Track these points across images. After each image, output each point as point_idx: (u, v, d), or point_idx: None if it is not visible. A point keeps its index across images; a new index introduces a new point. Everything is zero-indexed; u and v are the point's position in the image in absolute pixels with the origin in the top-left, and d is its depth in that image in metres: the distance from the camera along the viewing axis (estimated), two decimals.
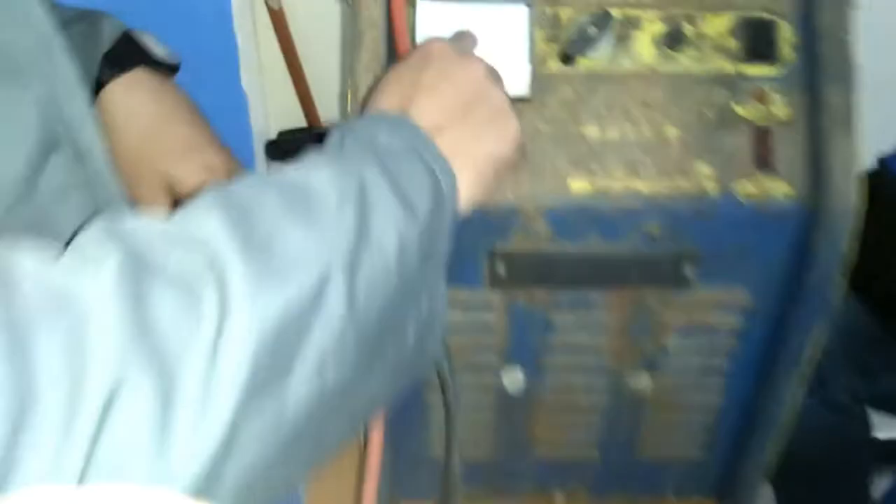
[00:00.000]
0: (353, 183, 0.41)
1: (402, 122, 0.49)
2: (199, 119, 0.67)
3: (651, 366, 0.81)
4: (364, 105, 0.55)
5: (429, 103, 0.51)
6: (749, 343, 0.79)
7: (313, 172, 0.40)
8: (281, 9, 1.07)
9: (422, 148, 0.47)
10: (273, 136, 1.08)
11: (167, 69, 0.67)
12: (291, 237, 0.36)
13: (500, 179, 0.53)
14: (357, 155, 0.44)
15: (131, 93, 0.65)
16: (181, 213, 0.36)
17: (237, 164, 0.67)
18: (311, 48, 1.15)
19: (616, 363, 0.81)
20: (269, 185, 0.39)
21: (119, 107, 0.64)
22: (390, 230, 0.41)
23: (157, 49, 0.66)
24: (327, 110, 1.21)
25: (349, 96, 0.67)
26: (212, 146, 0.66)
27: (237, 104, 1.13)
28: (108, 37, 0.64)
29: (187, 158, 0.64)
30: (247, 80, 1.10)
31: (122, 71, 0.64)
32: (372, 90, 0.54)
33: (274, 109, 1.22)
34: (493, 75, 0.55)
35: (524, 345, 0.79)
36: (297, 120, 1.20)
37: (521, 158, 0.58)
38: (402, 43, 0.66)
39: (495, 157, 0.52)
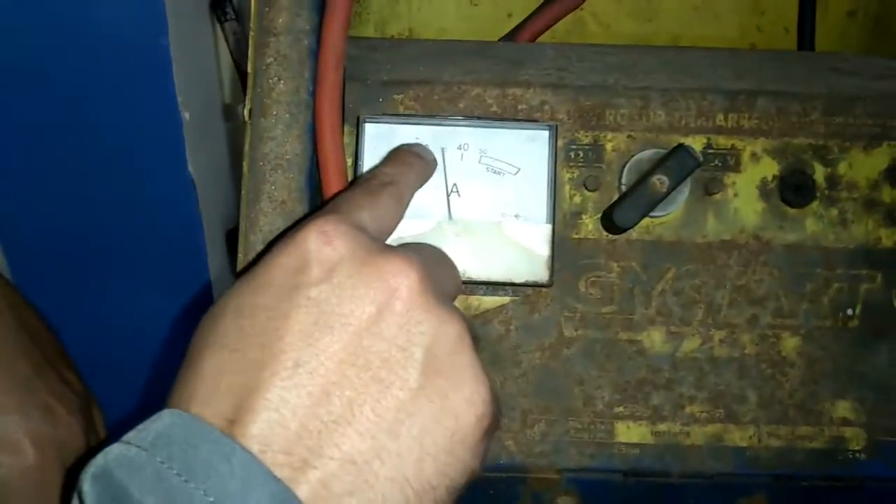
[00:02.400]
0: None
1: (228, 471, 0.23)
2: (11, 346, 0.39)
3: None
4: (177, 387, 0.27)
5: (291, 392, 0.25)
6: None
7: None
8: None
9: None
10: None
11: None
12: None
13: None
14: None
15: None
16: None
17: (78, 424, 0.40)
18: None
19: None
20: None
21: None
22: None
23: None
24: None
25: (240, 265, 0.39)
26: (19, 402, 0.38)
27: (185, 191, 0.93)
28: None
29: None
30: (198, 162, 0.88)
31: None
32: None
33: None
34: (436, 281, 0.29)
35: None
36: None
37: (487, 444, 0.30)
38: (332, 182, 0.39)
39: (435, 476, 0.27)
